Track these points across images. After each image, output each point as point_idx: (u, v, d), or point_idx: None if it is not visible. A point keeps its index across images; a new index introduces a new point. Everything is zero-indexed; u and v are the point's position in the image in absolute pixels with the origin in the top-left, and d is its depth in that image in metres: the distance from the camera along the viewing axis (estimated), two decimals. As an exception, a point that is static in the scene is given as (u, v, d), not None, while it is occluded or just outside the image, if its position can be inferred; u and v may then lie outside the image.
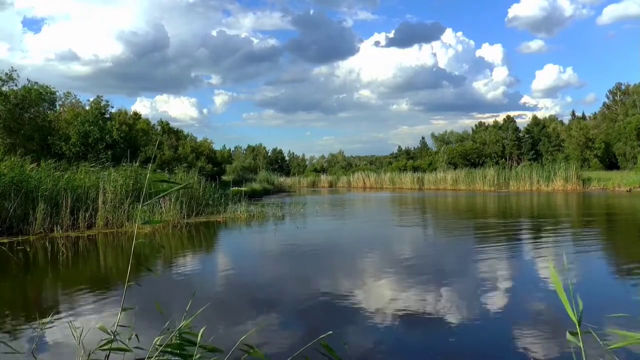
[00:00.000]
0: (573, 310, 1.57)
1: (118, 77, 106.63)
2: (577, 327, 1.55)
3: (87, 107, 27.81)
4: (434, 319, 5.81)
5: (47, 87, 24.57)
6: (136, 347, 2.09)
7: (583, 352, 1.61)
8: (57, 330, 5.45)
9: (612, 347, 1.61)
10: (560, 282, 1.62)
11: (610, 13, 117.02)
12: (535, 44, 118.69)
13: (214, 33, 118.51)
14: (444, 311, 6.10)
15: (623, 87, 58.19)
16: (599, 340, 1.72)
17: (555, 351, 4.66)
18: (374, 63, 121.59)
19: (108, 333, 2.03)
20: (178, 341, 2.04)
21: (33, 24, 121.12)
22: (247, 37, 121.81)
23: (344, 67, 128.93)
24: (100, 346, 1.95)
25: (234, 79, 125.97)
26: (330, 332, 2.32)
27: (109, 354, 2.03)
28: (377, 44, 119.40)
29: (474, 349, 4.94)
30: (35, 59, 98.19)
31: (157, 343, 2.05)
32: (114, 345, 2.00)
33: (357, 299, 6.77)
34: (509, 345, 4.96)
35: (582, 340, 1.59)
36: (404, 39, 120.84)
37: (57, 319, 5.88)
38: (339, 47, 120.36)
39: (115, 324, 2.06)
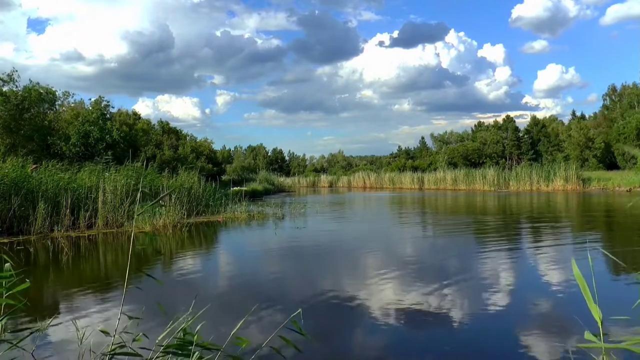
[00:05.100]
0: (596, 308, 1.53)
1: (122, 77, 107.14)
2: (600, 326, 1.52)
3: (89, 107, 27.84)
4: (436, 318, 5.82)
5: (48, 87, 24.60)
6: (140, 348, 2.10)
7: (603, 354, 1.58)
8: (59, 330, 5.47)
9: (608, 346, 1.57)
10: (585, 281, 1.60)
11: (613, 13, 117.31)
12: (539, 44, 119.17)
13: (218, 33, 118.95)
14: (446, 310, 6.11)
15: (619, 89, 58.10)
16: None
17: (558, 351, 4.67)
18: (377, 63, 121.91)
19: (109, 335, 2.04)
20: (179, 341, 2.05)
21: (37, 25, 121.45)
22: (251, 37, 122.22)
23: (347, 67, 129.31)
24: (111, 351, 1.96)
25: (237, 79, 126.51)
26: (299, 310, 2.37)
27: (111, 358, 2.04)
28: (381, 44, 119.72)
29: (475, 348, 4.94)
30: (39, 59, 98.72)
31: (159, 343, 2.06)
32: (116, 344, 2.01)
33: (359, 298, 6.77)
34: (512, 345, 4.96)
35: (602, 341, 1.55)
36: (408, 39, 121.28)
37: (59, 320, 5.89)
38: (343, 47, 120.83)
39: (116, 327, 2.07)
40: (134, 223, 2.67)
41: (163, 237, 13.95)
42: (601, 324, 1.52)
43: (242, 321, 2.26)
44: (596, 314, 1.52)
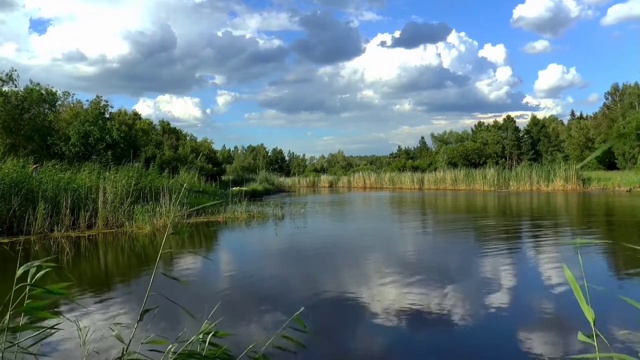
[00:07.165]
0: (589, 309, 1.55)
1: (123, 77, 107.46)
2: (592, 327, 1.53)
3: (88, 107, 27.80)
4: (437, 318, 5.79)
5: (48, 88, 24.57)
6: (151, 350, 2.08)
7: (597, 352, 1.59)
8: (62, 331, 5.43)
9: None
10: (576, 282, 1.61)
11: (614, 14, 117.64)
12: (540, 44, 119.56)
13: (219, 34, 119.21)
14: (447, 311, 6.09)
15: (621, 88, 58.13)
16: (607, 343, 1.69)
17: (558, 351, 4.65)
18: (379, 63, 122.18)
19: (123, 342, 2.02)
20: (188, 350, 2.02)
21: (39, 25, 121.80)
22: (253, 37, 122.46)
23: (349, 67, 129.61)
24: (122, 356, 1.94)
25: (239, 79, 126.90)
26: (302, 308, 2.35)
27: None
28: (382, 44, 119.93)
29: (476, 348, 4.93)
30: (41, 59, 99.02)
31: (171, 350, 2.04)
32: (129, 351, 1.98)
33: (360, 298, 6.75)
34: (512, 346, 4.94)
35: (596, 342, 1.57)
36: (409, 40, 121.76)
37: (61, 320, 5.85)
38: (345, 47, 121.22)
39: (132, 333, 2.04)
40: (170, 217, 2.64)
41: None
42: (594, 325, 1.53)
43: (258, 340, 2.23)
44: (589, 314, 1.54)
